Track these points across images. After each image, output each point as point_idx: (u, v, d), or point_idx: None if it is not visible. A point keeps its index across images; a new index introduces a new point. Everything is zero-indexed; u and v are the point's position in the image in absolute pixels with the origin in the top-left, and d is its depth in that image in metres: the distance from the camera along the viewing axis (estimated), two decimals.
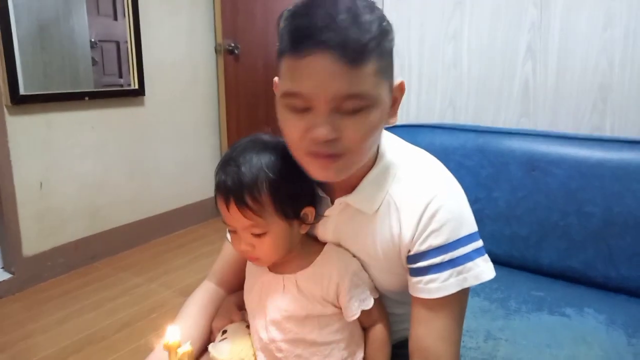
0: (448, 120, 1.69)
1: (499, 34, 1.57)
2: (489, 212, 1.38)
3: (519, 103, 1.58)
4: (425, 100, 1.71)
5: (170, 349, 0.67)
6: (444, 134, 1.48)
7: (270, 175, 0.69)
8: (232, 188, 0.68)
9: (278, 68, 0.65)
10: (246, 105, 3.03)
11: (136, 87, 2.51)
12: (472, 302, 1.21)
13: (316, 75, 0.59)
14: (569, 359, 0.99)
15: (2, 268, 2.16)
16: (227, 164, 0.70)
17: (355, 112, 0.61)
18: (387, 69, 0.64)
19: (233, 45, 2.87)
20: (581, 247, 1.27)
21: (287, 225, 0.72)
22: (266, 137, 0.75)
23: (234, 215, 0.69)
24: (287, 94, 0.62)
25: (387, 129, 0.80)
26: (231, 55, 2.88)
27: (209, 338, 0.85)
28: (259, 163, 0.69)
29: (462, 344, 1.04)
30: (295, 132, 0.63)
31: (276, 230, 0.71)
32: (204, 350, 0.83)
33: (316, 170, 0.65)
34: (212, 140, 2.99)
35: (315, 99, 0.60)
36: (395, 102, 0.68)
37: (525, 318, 1.14)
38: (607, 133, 1.47)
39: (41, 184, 2.18)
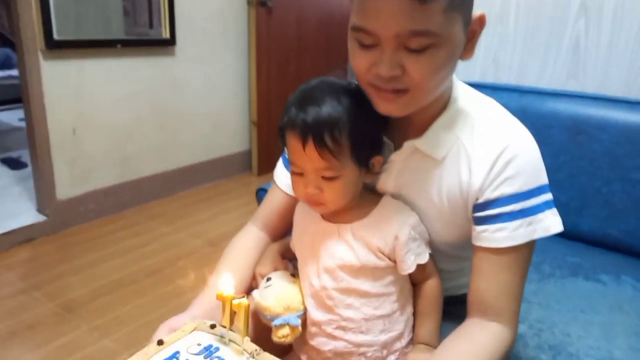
0: (490, 78, 1.63)
1: None
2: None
3: (567, 63, 1.50)
4: None
5: (224, 300, 0.65)
6: (484, 92, 1.42)
7: (352, 117, 0.67)
8: (313, 126, 0.65)
9: (351, 1, 0.65)
10: (277, 60, 2.98)
11: (167, 37, 2.48)
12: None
13: (382, 11, 0.58)
14: (604, 326, 0.97)
15: (37, 210, 2.23)
16: (306, 102, 0.68)
17: (421, 49, 0.60)
18: (462, 3, 0.61)
19: None
20: (623, 215, 1.23)
21: (358, 172, 0.70)
22: (338, 80, 0.73)
23: (309, 155, 0.66)
24: (355, 28, 0.62)
25: None
26: (263, 7, 2.81)
27: (252, 283, 0.85)
28: (340, 105, 0.67)
29: None
30: (362, 66, 0.64)
31: (348, 175, 0.69)
32: (247, 292, 0.83)
33: (381, 103, 0.66)
34: (241, 94, 2.96)
35: (381, 35, 0.60)
36: (473, 37, 0.66)
37: (559, 283, 1.12)
38: None
39: (74, 129, 2.20)
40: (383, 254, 0.72)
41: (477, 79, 1.64)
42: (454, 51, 0.63)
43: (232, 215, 2.49)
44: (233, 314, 0.65)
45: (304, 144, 0.66)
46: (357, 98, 0.69)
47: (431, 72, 0.62)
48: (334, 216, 0.75)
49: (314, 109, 0.66)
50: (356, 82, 0.71)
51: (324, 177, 0.68)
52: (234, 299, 0.64)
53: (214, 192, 2.80)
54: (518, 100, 1.36)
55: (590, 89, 1.46)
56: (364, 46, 0.62)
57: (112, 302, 1.72)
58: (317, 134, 0.65)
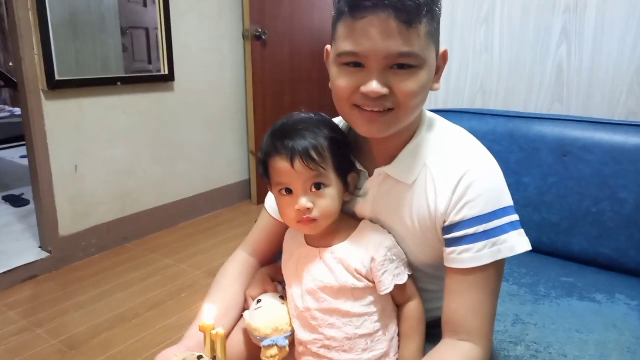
0: (478, 106, 1.67)
1: (532, 17, 1.54)
2: (519, 199, 1.34)
3: (551, 88, 1.55)
4: (455, 85, 1.68)
5: (204, 331, 0.69)
6: (473, 119, 1.47)
7: (329, 136, 0.74)
8: (298, 147, 0.71)
9: (333, 34, 0.70)
10: (272, 91, 3.05)
11: (166, 72, 2.54)
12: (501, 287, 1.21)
13: (372, 34, 0.63)
14: (599, 345, 0.98)
15: (40, 247, 2.25)
16: (287, 132, 0.74)
17: (407, 70, 0.65)
18: (435, 35, 0.68)
19: (260, 31, 2.88)
20: (613, 234, 1.25)
21: (341, 186, 0.76)
22: (308, 113, 0.79)
23: (298, 170, 0.72)
24: (343, 54, 0.67)
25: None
26: (258, 41, 2.89)
27: (244, 306, 0.88)
28: (317, 128, 0.74)
29: None
30: (347, 88, 0.68)
31: (334, 188, 0.74)
32: (239, 317, 0.86)
33: (363, 124, 0.70)
34: (238, 126, 3.02)
35: (371, 57, 0.64)
36: (439, 70, 0.72)
37: (554, 303, 1.14)
38: None
39: (76, 167, 2.25)
40: (361, 275, 0.75)
41: (465, 106, 1.69)
42: (431, 76, 0.69)
43: (233, 245, 2.50)
44: (213, 343, 0.68)
45: (292, 162, 0.71)
46: (330, 123, 0.77)
47: (414, 92, 0.66)
48: (317, 241, 0.79)
49: (297, 135, 0.73)
50: (324, 115, 0.78)
51: (313, 190, 0.73)
52: (213, 329, 0.68)
53: (215, 223, 2.82)
54: (506, 125, 1.41)
55: (575, 111, 1.50)
56: (351, 69, 0.67)
57: (115, 337, 1.72)
58: (303, 151, 0.71)
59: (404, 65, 0.65)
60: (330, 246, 0.78)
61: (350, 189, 0.78)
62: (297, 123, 0.75)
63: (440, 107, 1.73)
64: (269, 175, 0.77)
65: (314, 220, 0.74)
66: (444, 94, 1.72)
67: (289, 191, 0.74)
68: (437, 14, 0.67)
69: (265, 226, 0.92)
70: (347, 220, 0.80)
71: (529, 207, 1.36)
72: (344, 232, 0.78)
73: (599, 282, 1.21)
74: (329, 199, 0.74)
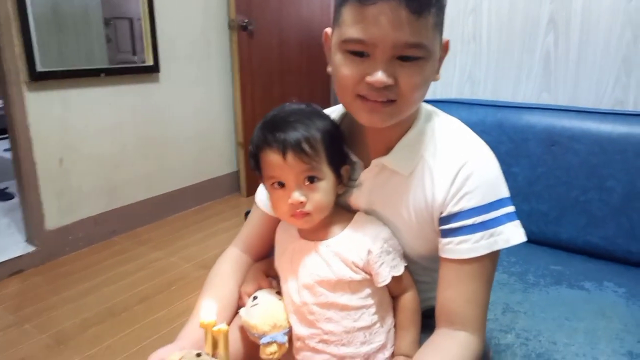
0: (466, 95, 1.67)
1: (519, 6, 1.54)
2: (508, 188, 1.37)
3: (539, 77, 1.55)
4: (443, 76, 1.66)
5: (206, 328, 0.67)
6: (461, 109, 1.47)
7: (321, 128, 0.73)
8: (290, 139, 0.70)
9: (336, 17, 0.68)
10: (260, 82, 3.02)
11: (151, 63, 2.51)
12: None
13: (381, 22, 0.61)
14: (588, 332, 1.00)
15: (26, 241, 2.22)
16: (279, 124, 0.72)
17: (413, 61, 0.64)
18: (441, 25, 0.67)
19: (247, 21, 2.84)
20: (601, 223, 1.26)
21: (334, 179, 0.75)
22: (300, 104, 0.78)
23: (290, 163, 0.70)
24: (349, 40, 0.65)
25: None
26: (245, 31, 2.86)
27: (238, 303, 0.86)
28: (308, 120, 0.73)
29: None
30: (352, 77, 0.66)
31: (327, 181, 0.73)
32: (234, 315, 0.85)
33: (365, 114, 0.68)
34: (226, 117, 2.99)
35: (378, 45, 0.63)
36: (440, 60, 0.71)
37: (543, 292, 1.15)
38: (631, 107, 1.44)
39: (61, 160, 2.21)
40: (358, 267, 0.75)
41: (454, 95, 1.69)
42: (434, 68, 0.69)
43: (222, 237, 2.50)
44: (215, 340, 0.67)
45: (284, 155, 0.70)
46: (322, 114, 0.76)
47: (419, 84, 0.66)
48: (311, 234, 0.78)
49: (289, 128, 0.71)
50: (316, 106, 0.77)
51: (307, 181, 0.72)
52: (214, 325, 0.67)
53: (203, 215, 2.80)
54: (494, 114, 1.41)
55: (563, 101, 1.51)
56: (356, 57, 0.65)
57: (104, 332, 1.71)
58: (295, 143, 0.70)
59: (409, 57, 0.64)
60: (326, 239, 0.77)
61: (343, 181, 0.77)
62: (288, 114, 0.74)
63: (429, 97, 1.72)
64: (260, 168, 0.75)
65: (307, 213, 0.73)
66: (432, 84, 1.71)
67: (282, 184, 0.73)
68: (444, 4, 0.66)
69: (257, 221, 0.90)
70: (341, 213, 0.79)
71: (518, 197, 1.34)
72: (339, 224, 0.78)
73: (587, 270, 1.23)
74: (322, 192, 0.73)
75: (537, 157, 1.34)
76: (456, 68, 1.67)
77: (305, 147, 0.70)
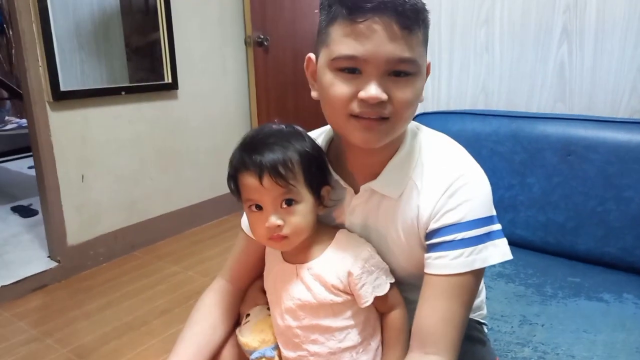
0: (480, 106, 1.67)
1: (532, 16, 1.53)
2: (523, 199, 1.37)
3: (554, 87, 1.54)
4: (457, 87, 1.69)
5: None
6: (475, 120, 1.47)
7: (299, 149, 0.72)
8: (265, 163, 0.69)
9: (324, 40, 0.67)
10: (276, 96, 3.06)
11: (170, 81, 2.56)
12: (507, 288, 1.21)
13: (374, 37, 0.61)
14: (607, 345, 0.98)
15: (49, 257, 2.27)
16: (256, 146, 0.71)
17: (404, 78, 0.65)
18: (426, 43, 0.67)
19: (262, 37, 2.89)
20: (620, 233, 1.24)
21: (313, 201, 0.74)
22: (279, 124, 0.77)
23: (267, 187, 0.69)
24: (340, 58, 0.64)
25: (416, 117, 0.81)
26: (260, 47, 2.91)
27: (231, 329, 0.87)
28: (286, 141, 0.72)
29: (496, 328, 1.04)
30: (344, 95, 0.65)
31: (305, 204, 0.72)
32: (216, 349, 0.84)
33: (360, 133, 0.67)
34: (243, 131, 2.97)
35: (371, 61, 0.63)
36: (424, 80, 0.71)
37: (561, 304, 1.13)
38: None
39: (83, 176, 2.26)
40: (339, 290, 0.74)
41: (468, 107, 1.69)
42: (422, 86, 0.69)
43: None
44: None
45: (260, 178, 0.69)
46: (301, 135, 0.75)
47: (411, 100, 0.66)
48: (293, 256, 0.77)
49: (266, 150, 0.70)
50: (297, 127, 0.76)
51: (285, 205, 0.71)
52: None
53: (221, 229, 2.83)
54: (509, 125, 1.40)
55: (578, 111, 1.50)
56: (348, 75, 0.64)
57: (124, 346, 1.73)
58: (271, 166, 0.69)
59: (400, 72, 0.64)
60: (307, 261, 0.76)
61: (324, 202, 0.76)
62: (267, 136, 0.73)
63: (442, 108, 1.73)
64: (239, 191, 0.74)
65: (285, 237, 0.72)
66: (445, 96, 1.72)
67: (259, 207, 0.72)
68: (428, 22, 0.67)
69: (242, 247, 0.88)
70: (323, 232, 0.78)
71: (533, 208, 1.35)
72: (321, 245, 0.76)
73: (606, 282, 1.21)
74: (299, 216, 0.72)
75: (553, 167, 1.32)
76: (469, 79, 1.67)
77: (282, 170, 0.69)
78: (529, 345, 1.00)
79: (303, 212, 0.72)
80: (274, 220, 0.71)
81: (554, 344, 1.00)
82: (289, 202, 0.71)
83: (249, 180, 0.70)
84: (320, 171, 0.75)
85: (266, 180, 0.69)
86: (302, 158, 0.71)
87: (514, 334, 1.03)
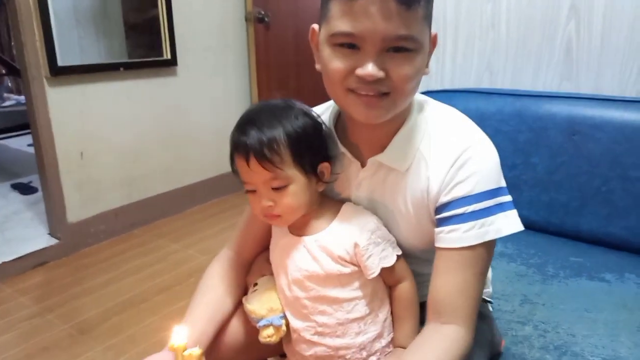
0: (485, 85, 1.64)
1: None
2: (527, 178, 1.35)
3: (560, 65, 1.51)
4: (461, 64, 1.66)
5: (177, 351, 0.67)
6: (480, 98, 1.45)
7: (288, 128, 0.71)
8: (252, 144, 0.70)
9: (324, 13, 0.67)
10: (277, 73, 3.02)
11: (169, 57, 2.53)
12: (508, 267, 1.21)
13: (371, 14, 0.61)
14: (608, 324, 0.98)
15: (49, 234, 2.27)
16: (244, 125, 0.72)
17: (403, 54, 0.64)
18: (429, 18, 0.66)
19: (263, 13, 2.84)
20: (624, 213, 1.23)
21: (305, 180, 0.73)
22: (277, 100, 0.77)
23: (254, 170, 0.70)
24: (338, 34, 0.64)
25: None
26: (261, 23, 2.86)
27: (238, 300, 0.87)
28: (275, 120, 0.72)
29: (497, 307, 1.04)
30: (342, 70, 0.65)
31: (296, 184, 0.72)
32: (225, 319, 0.84)
33: (361, 109, 0.67)
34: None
35: (368, 38, 0.62)
36: (429, 53, 0.70)
37: (563, 283, 1.13)
38: None
39: (82, 153, 2.25)
40: (346, 261, 0.74)
41: (472, 85, 1.66)
42: (425, 61, 0.68)
43: None
44: None
45: (247, 162, 0.70)
46: (296, 112, 0.74)
47: (411, 76, 0.65)
48: (299, 229, 0.78)
49: (252, 130, 0.70)
50: (295, 102, 0.76)
51: (273, 188, 0.72)
52: (185, 349, 0.67)
53: (221, 208, 2.82)
54: (514, 104, 1.38)
55: (585, 90, 1.47)
56: (346, 50, 0.64)
57: (125, 322, 1.74)
58: (257, 150, 0.69)
59: (400, 48, 0.63)
60: (313, 233, 0.76)
61: (324, 179, 0.76)
62: (258, 114, 0.73)
63: (446, 86, 1.70)
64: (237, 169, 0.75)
65: (278, 215, 0.74)
66: (450, 74, 1.69)
67: (253, 190, 0.74)
68: None
69: (250, 219, 0.89)
70: (329, 204, 0.79)
71: (537, 187, 1.34)
72: (327, 217, 0.77)
73: (608, 262, 1.20)
74: (290, 196, 0.72)
75: (558, 146, 1.31)
76: (474, 57, 1.64)
77: (267, 153, 0.69)
78: (530, 324, 1.00)
79: (294, 192, 0.72)
80: (265, 202, 0.73)
81: (554, 323, 1.00)
82: (278, 186, 0.72)
83: (240, 163, 0.72)
84: (314, 149, 0.74)
85: (252, 163, 0.70)
86: (289, 138, 0.71)
87: (515, 313, 1.03)
